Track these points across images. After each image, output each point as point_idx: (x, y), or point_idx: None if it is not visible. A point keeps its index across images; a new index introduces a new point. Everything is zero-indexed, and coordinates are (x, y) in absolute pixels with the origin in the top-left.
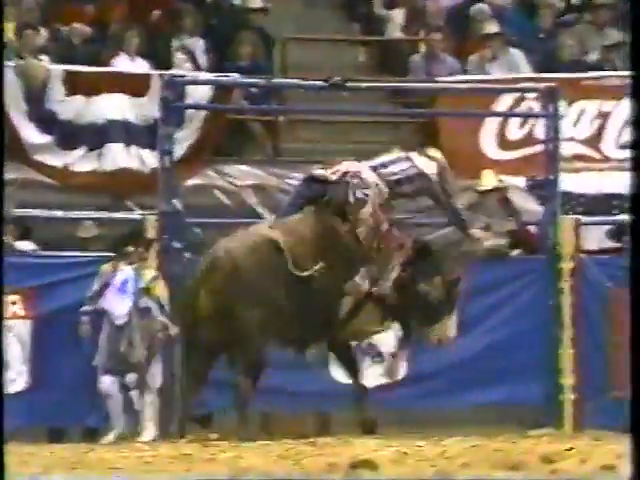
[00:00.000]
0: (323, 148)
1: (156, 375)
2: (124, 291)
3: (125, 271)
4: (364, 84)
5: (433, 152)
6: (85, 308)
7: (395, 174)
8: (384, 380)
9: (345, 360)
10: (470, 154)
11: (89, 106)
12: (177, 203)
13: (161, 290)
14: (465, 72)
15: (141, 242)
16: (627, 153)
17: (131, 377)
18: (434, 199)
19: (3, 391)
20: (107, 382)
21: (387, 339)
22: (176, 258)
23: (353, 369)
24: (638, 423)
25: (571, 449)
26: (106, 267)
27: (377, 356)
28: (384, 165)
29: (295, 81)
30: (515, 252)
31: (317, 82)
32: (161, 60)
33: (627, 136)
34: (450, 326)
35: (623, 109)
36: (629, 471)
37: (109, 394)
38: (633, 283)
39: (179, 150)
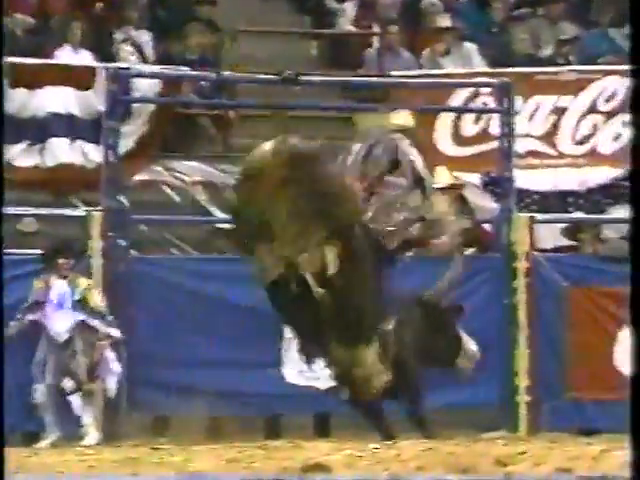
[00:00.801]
0: None
1: (106, 381)
2: (63, 307)
3: (59, 285)
4: (316, 78)
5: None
6: (19, 318)
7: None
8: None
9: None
10: (424, 150)
11: (31, 99)
12: (123, 199)
13: (96, 298)
14: (419, 66)
15: (71, 253)
16: (582, 149)
17: (69, 382)
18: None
19: (3, 391)
20: (40, 389)
21: None
22: (121, 256)
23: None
24: (638, 423)
25: (525, 452)
26: (38, 283)
27: None
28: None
29: (246, 75)
30: (469, 250)
31: (268, 76)
32: (106, 52)
33: (582, 132)
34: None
35: (578, 104)
36: (629, 473)
37: (43, 401)
38: (633, 283)
39: (125, 145)
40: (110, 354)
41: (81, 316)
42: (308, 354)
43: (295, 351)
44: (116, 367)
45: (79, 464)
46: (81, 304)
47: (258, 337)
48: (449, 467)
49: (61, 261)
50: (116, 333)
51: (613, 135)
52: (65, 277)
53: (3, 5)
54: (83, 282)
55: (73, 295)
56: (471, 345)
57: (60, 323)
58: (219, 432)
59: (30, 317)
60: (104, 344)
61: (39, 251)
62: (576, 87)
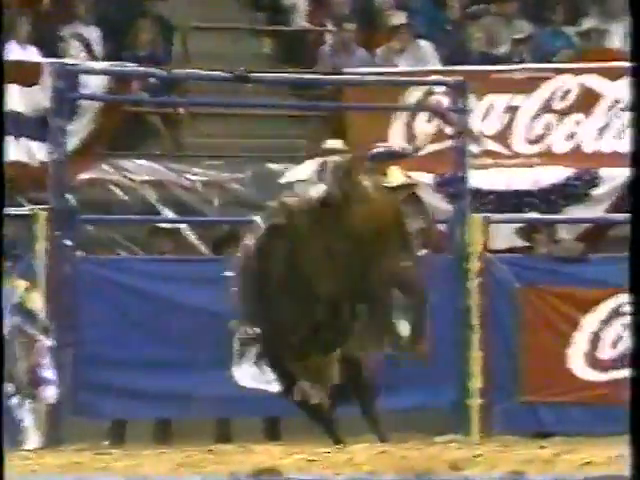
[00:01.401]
0: (226, 143)
1: (45, 385)
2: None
3: None
4: (269, 76)
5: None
6: None
7: None
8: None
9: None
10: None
11: None
12: (70, 198)
13: (35, 301)
14: (374, 64)
15: (10, 255)
16: (536, 148)
17: (9, 387)
18: None
19: (3, 392)
20: None
21: None
22: (68, 257)
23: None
24: (638, 424)
25: (479, 455)
26: None
27: None
28: None
29: (197, 72)
30: (423, 251)
31: (220, 73)
32: (54, 48)
33: (536, 131)
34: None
35: (532, 103)
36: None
37: None
38: (633, 284)
39: (72, 143)
40: (46, 360)
41: (18, 319)
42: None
43: (247, 353)
44: (50, 375)
45: (21, 468)
46: (19, 307)
47: (208, 339)
48: (402, 471)
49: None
50: (48, 341)
51: (567, 134)
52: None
53: (3, 5)
54: (22, 284)
55: (13, 298)
56: (402, 328)
57: None
58: (167, 436)
59: None
60: (41, 348)
61: None
62: (530, 86)
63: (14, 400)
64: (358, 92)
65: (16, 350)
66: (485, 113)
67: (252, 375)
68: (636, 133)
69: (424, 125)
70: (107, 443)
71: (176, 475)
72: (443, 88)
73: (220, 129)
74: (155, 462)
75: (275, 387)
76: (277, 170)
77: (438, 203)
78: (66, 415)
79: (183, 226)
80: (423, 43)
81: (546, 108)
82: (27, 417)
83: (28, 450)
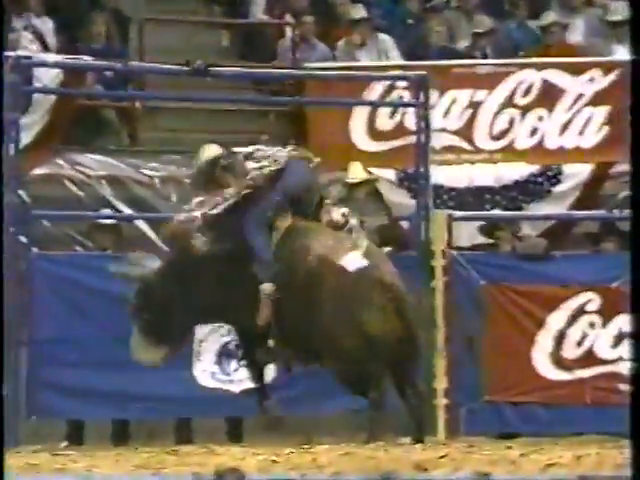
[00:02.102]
0: (183, 138)
1: None
2: None
3: None
4: (227, 69)
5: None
6: None
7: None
8: (250, 385)
9: None
10: (339, 145)
11: None
12: (23, 194)
13: None
14: (334, 58)
15: None
16: (499, 144)
17: None
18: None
19: (3, 392)
20: None
21: None
22: (22, 254)
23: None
24: (638, 426)
25: (444, 456)
26: None
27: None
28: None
29: (153, 65)
30: (385, 249)
31: (177, 67)
32: (5, 40)
33: (499, 126)
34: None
35: (494, 98)
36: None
37: None
38: (633, 284)
39: (25, 137)
40: None
41: None
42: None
43: (207, 352)
44: None
45: None
46: None
47: None
48: (367, 472)
49: None
50: None
51: (530, 130)
52: None
53: (3, 5)
54: None
55: None
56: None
57: None
58: (126, 437)
59: None
60: None
61: None
62: (492, 81)
63: None
64: (319, 86)
65: None
66: (447, 108)
67: (212, 374)
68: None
69: (385, 120)
70: (65, 444)
71: (136, 476)
72: (404, 83)
73: (178, 123)
74: (114, 463)
75: (237, 386)
76: None
77: (401, 199)
78: (22, 415)
79: (140, 222)
80: (383, 37)
81: (509, 103)
82: None
83: None
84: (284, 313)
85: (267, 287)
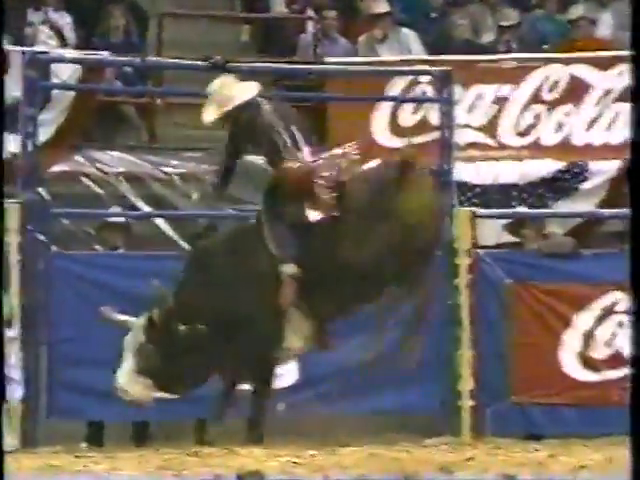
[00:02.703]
0: (203, 134)
1: (9, 385)
2: None
3: None
4: (247, 65)
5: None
6: None
7: None
8: (282, 383)
9: None
10: (361, 141)
11: None
12: (42, 191)
13: None
14: (355, 54)
15: None
16: (525, 140)
17: None
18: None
19: (4, 393)
20: None
21: None
22: (41, 252)
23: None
24: (637, 428)
25: (470, 458)
26: None
27: None
28: None
29: (172, 61)
30: None
31: (196, 62)
32: (22, 36)
33: (525, 122)
34: None
35: (520, 93)
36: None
37: None
38: (633, 284)
39: (43, 134)
40: (12, 358)
41: None
42: None
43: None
44: (16, 374)
45: None
46: None
47: None
48: (392, 474)
49: None
50: (11, 333)
51: (556, 126)
52: None
53: (3, 4)
54: None
55: None
56: None
57: None
58: (147, 438)
59: None
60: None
61: None
62: (518, 75)
63: None
64: (340, 82)
65: None
66: (472, 104)
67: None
68: (636, 125)
69: (408, 116)
70: (85, 445)
71: (156, 478)
72: (428, 78)
73: (197, 120)
74: (135, 464)
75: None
76: (256, 162)
77: None
78: (41, 416)
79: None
80: (406, 31)
81: (535, 99)
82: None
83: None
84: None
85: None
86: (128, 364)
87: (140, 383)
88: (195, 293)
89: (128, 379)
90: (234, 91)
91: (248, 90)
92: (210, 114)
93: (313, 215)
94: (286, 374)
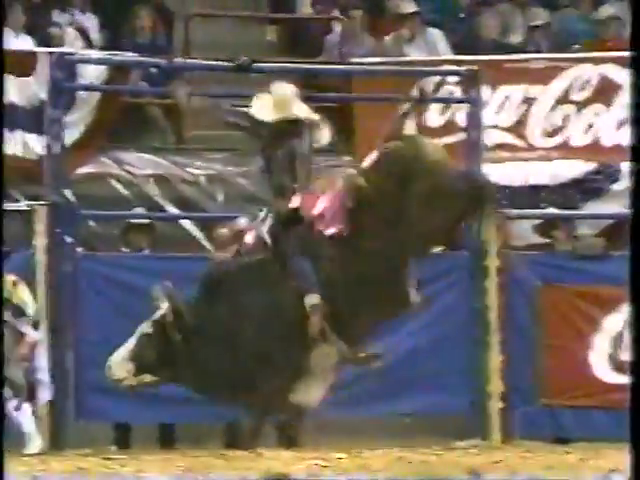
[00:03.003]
0: (230, 135)
1: (39, 387)
2: None
3: None
4: (273, 65)
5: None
6: None
7: None
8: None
9: None
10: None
11: None
12: (68, 193)
13: (21, 294)
14: (382, 54)
15: None
16: (554, 141)
17: (7, 390)
18: None
19: (3, 393)
20: None
21: None
22: (68, 254)
23: None
24: (637, 432)
25: (500, 461)
26: None
27: None
28: None
29: (198, 61)
30: (438, 248)
31: (222, 63)
32: (49, 37)
33: (554, 123)
34: None
35: (549, 94)
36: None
37: None
38: (633, 283)
39: (70, 135)
40: (40, 361)
41: (7, 315)
42: None
43: None
44: (44, 376)
45: (23, 474)
46: (6, 302)
47: None
48: (420, 477)
49: None
50: (37, 336)
51: (586, 126)
52: None
53: (4, 6)
54: (9, 280)
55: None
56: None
57: None
58: (173, 440)
59: None
60: (29, 344)
61: None
62: (547, 76)
63: (12, 403)
64: (366, 82)
65: (6, 348)
66: (500, 104)
67: None
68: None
69: (435, 117)
70: (114, 448)
71: None
72: (456, 78)
73: (222, 121)
74: (161, 467)
75: None
76: None
77: None
78: (69, 418)
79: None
80: (433, 31)
81: (564, 99)
82: (28, 421)
83: (30, 455)
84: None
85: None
86: (125, 348)
87: (126, 367)
88: (211, 313)
89: (119, 360)
90: (294, 102)
91: (304, 109)
92: (268, 114)
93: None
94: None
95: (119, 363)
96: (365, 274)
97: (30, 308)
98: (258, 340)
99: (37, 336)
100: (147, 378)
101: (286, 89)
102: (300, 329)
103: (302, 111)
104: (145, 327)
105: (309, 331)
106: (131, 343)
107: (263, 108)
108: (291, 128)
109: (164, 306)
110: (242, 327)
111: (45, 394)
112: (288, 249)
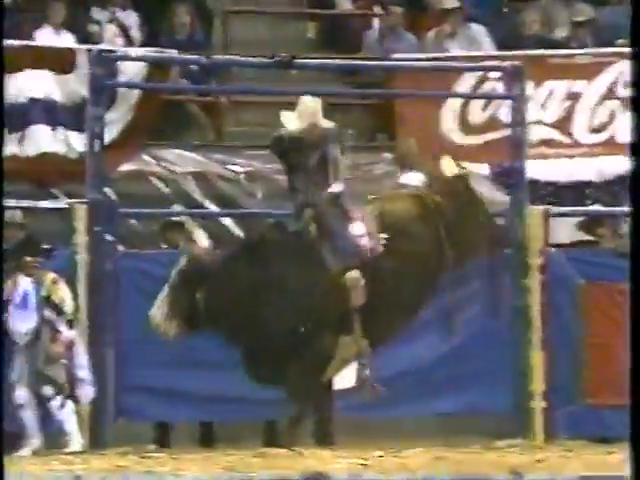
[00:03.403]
0: (269, 132)
1: (80, 385)
2: (26, 306)
3: (23, 284)
4: (313, 62)
5: None
6: None
7: None
8: (338, 386)
9: None
10: (429, 139)
11: (9, 83)
12: (109, 191)
13: (61, 292)
14: (423, 49)
15: (37, 249)
16: (600, 137)
17: (47, 389)
18: None
19: (3, 394)
20: (22, 396)
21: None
22: (108, 252)
23: None
24: (637, 431)
25: (542, 460)
26: (9, 283)
27: None
28: None
29: (238, 58)
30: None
31: (262, 59)
32: (89, 34)
33: (599, 119)
34: None
35: (594, 89)
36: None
37: (24, 408)
38: (633, 282)
39: (110, 133)
40: (80, 358)
41: (45, 312)
42: None
43: None
44: (85, 374)
45: (64, 473)
46: (45, 300)
47: None
48: (460, 477)
49: (27, 258)
50: (72, 334)
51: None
52: (31, 274)
53: (4, 6)
54: (49, 277)
55: (39, 292)
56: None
57: (21, 323)
58: (213, 439)
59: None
60: (65, 341)
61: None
62: (592, 71)
63: (56, 402)
64: (407, 78)
65: (45, 346)
66: (544, 100)
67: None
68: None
69: (478, 113)
70: (153, 447)
71: (222, 479)
72: (498, 74)
73: (263, 118)
74: (201, 466)
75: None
76: None
77: (494, 195)
78: (108, 417)
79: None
80: (475, 26)
81: (609, 95)
82: (69, 419)
83: (71, 453)
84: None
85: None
86: (162, 300)
87: (169, 320)
88: (240, 274)
89: (160, 312)
90: (318, 113)
91: (326, 122)
92: (293, 122)
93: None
94: (348, 375)
95: (157, 313)
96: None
97: (68, 306)
98: (290, 315)
99: (73, 335)
100: (181, 326)
101: (313, 102)
102: (335, 308)
103: (323, 120)
104: (174, 277)
105: (349, 305)
106: (164, 292)
107: (291, 120)
108: (319, 136)
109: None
110: (273, 299)
111: (87, 392)
112: (330, 228)
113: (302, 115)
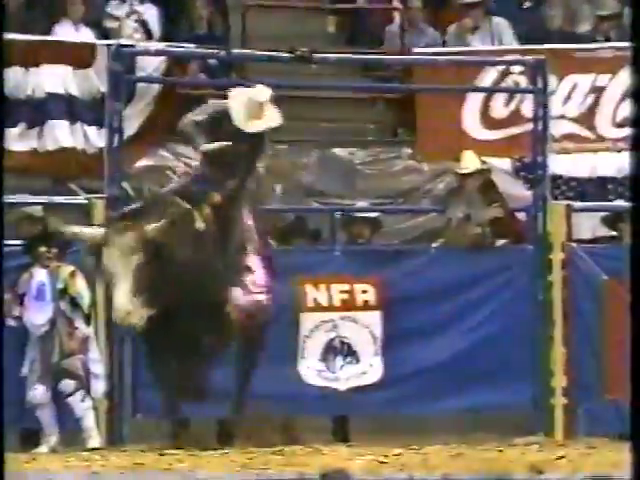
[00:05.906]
0: (289, 127)
1: (94, 380)
2: (42, 298)
3: (39, 275)
4: (333, 56)
5: None
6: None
7: None
8: (357, 383)
9: None
10: (450, 133)
11: (28, 78)
12: (127, 186)
13: (78, 286)
14: (444, 44)
15: (53, 242)
16: (624, 132)
17: (66, 384)
18: None
19: (3, 393)
20: (39, 391)
21: (362, 337)
22: None
23: None
24: (638, 429)
25: (562, 457)
26: (24, 274)
27: (350, 356)
28: None
29: (257, 53)
30: (500, 242)
31: (281, 54)
32: (108, 29)
33: (624, 113)
34: None
35: (619, 84)
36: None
37: (41, 404)
38: (633, 280)
39: (129, 128)
40: (93, 353)
41: (63, 306)
42: None
43: (312, 349)
44: (99, 369)
45: (82, 470)
46: (62, 292)
47: (272, 332)
48: (480, 474)
49: (42, 250)
50: (88, 329)
51: None
52: (47, 267)
53: (4, 7)
54: (65, 270)
55: (56, 284)
56: None
57: (37, 315)
58: (231, 436)
59: (15, 310)
60: (80, 335)
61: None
62: (616, 65)
63: (76, 397)
64: (428, 73)
65: (64, 340)
66: (567, 94)
67: (318, 372)
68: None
69: (500, 108)
70: (172, 443)
71: (240, 476)
72: (521, 68)
73: (282, 112)
74: (219, 463)
75: (343, 384)
76: (343, 155)
77: (517, 190)
78: (127, 414)
79: None
80: (498, 20)
81: None
82: (88, 415)
83: (90, 450)
84: None
85: None
86: (125, 285)
87: (134, 304)
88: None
89: (125, 300)
90: (267, 107)
91: (275, 115)
92: (247, 123)
93: None
94: (370, 372)
95: (127, 302)
96: None
97: (85, 300)
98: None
99: (88, 331)
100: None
101: (264, 94)
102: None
103: (274, 118)
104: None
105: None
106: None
107: (240, 114)
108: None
109: None
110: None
111: (99, 387)
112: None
113: (249, 110)
